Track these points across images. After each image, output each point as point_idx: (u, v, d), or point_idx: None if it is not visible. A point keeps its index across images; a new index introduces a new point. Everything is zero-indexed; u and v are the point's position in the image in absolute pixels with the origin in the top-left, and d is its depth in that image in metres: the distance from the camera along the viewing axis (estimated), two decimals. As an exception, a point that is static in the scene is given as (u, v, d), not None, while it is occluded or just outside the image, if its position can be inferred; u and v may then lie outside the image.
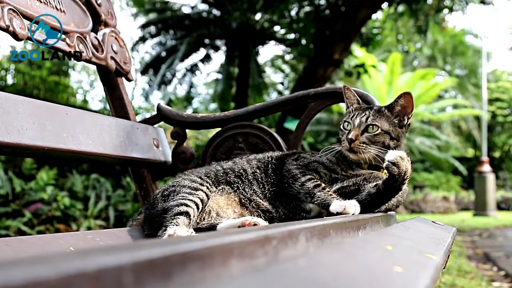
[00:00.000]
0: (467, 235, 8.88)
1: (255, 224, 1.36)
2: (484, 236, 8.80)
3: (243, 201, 1.63)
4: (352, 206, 1.39)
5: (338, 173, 1.61)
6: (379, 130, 1.57)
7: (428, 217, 1.60)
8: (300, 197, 1.56)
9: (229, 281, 0.50)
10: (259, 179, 1.67)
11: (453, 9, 8.27)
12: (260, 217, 1.57)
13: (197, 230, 1.45)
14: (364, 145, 1.55)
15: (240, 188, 1.65)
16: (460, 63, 25.38)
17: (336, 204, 1.41)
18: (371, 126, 1.58)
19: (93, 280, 0.37)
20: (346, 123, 1.63)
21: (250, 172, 1.68)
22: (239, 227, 1.39)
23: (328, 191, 1.50)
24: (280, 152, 1.84)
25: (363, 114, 1.61)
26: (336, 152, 1.63)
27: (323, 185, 1.53)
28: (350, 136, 1.56)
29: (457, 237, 6.80)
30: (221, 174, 1.68)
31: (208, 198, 1.58)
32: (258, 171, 1.69)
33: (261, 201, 1.62)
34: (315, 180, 1.55)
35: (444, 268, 1.07)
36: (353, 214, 1.36)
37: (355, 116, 1.62)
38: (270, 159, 1.74)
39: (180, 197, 1.50)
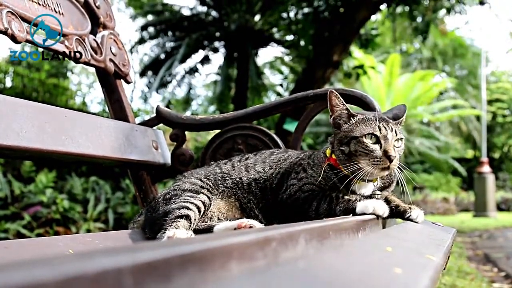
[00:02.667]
0: (467, 236, 8.88)
1: (250, 227, 1.36)
2: (484, 237, 8.80)
3: (243, 206, 1.63)
4: (381, 207, 1.37)
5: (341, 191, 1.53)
6: (403, 144, 1.51)
7: (428, 218, 1.59)
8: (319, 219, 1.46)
9: (229, 283, 0.49)
10: (253, 193, 1.64)
11: (451, 10, 8.29)
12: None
13: (194, 231, 1.45)
14: (398, 161, 1.46)
15: (238, 193, 1.65)
16: (459, 65, 25.43)
17: (362, 206, 1.38)
18: (397, 140, 1.48)
19: (92, 283, 0.37)
20: (371, 135, 1.45)
21: (245, 182, 1.66)
22: (234, 229, 1.39)
23: (342, 196, 1.45)
24: (278, 167, 1.70)
25: (388, 125, 1.47)
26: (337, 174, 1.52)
27: (333, 195, 1.47)
28: (393, 154, 1.42)
29: (457, 238, 6.78)
30: (219, 178, 1.68)
31: (210, 200, 1.58)
32: (253, 183, 1.65)
33: (255, 210, 1.62)
34: (325, 197, 1.48)
35: (444, 269, 1.07)
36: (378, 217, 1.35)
37: (381, 127, 1.46)
38: (269, 176, 1.66)
39: (182, 200, 1.50)
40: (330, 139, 1.59)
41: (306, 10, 7.95)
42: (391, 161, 1.41)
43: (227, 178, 1.68)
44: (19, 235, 4.96)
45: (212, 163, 1.84)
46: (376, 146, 1.44)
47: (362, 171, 1.44)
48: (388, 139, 1.44)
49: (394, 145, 1.45)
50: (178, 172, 2.09)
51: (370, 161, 1.43)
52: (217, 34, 11.57)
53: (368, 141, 1.44)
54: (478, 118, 21.94)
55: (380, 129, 1.45)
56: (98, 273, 0.37)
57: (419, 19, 8.10)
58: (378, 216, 1.35)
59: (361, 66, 8.57)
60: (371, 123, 1.47)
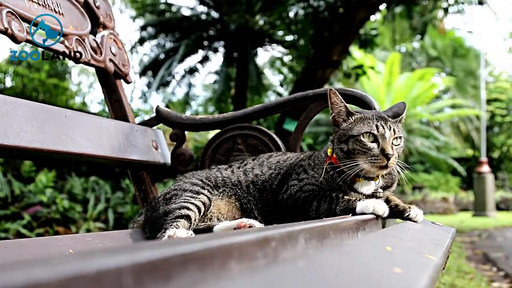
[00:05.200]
0: (466, 236, 8.88)
1: (250, 226, 1.36)
2: (483, 237, 8.80)
3: (243, 206, 1.63)
4: (381, 206, 1.37)
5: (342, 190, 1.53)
6: (403, 142, 1.51)
7: (428, 217, 1.59)
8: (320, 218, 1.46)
9: (229, 282, 0.50)
10: (252, 194, 1.64)
11: (449, 10, 8.29)
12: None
13: (194, 231, 1.45)
14: (396, 160, 1.47)
15: (239, 193, 1.65)
16: (459, 65, 25.43)
17: (362, 205, 1.37)
18: (396, 139, 1.48)
19: (92, 282, 0.37)
20: (369, 134, 1.46)
21: (244, 185, 1.66)
22: (234, 229, 1.39)
23: (342, 196, 1.45)
24: (278, 168, 1.71)
25: (386, 124, 1.47)
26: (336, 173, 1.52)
27: (333, 195, 1.47)
28: (390, 152, 1.42)
29: (456, 237, 6.80)
30: (220, 181, 1.68)
31: (210, 201, 1.58)
32: (251, 186, 1.66)
33: (255, 212, 1.62)
34: (326, 197, 1.48)
35: (443, 268, 1.07)
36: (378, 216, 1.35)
37: (379, 126, 1.46)
38: (267, 177, 1.66)
39: (182, 200, 1.51)
40: (331, 137, 1.60)
41: (305, 10, 7.95)
42: (388, 159, 1.42)
43: (227, 180, 1.68)
44: (19, 235, 4.97)
45: (213, 166, 1.84)
46: (374, 145, 1.45)
47: (360, 169, 1.45)
48: (386, 137, 1.45)
49: (392, 143, 1.46)
50: (178, 172, 2.09)
51: (368, 159, 1.44)
52: (217, 34, 11.57)
53: (365, 139, 1.45)
54: (477, 117, 21.95)
55: (377, 128, 1.46)
56: (98, 273, 0.37)
57: (417, 19, 8.11)
58: (378, 216, 1.35)
59: (360, 66, 8.56)
60: (369, 122, 1.48)
